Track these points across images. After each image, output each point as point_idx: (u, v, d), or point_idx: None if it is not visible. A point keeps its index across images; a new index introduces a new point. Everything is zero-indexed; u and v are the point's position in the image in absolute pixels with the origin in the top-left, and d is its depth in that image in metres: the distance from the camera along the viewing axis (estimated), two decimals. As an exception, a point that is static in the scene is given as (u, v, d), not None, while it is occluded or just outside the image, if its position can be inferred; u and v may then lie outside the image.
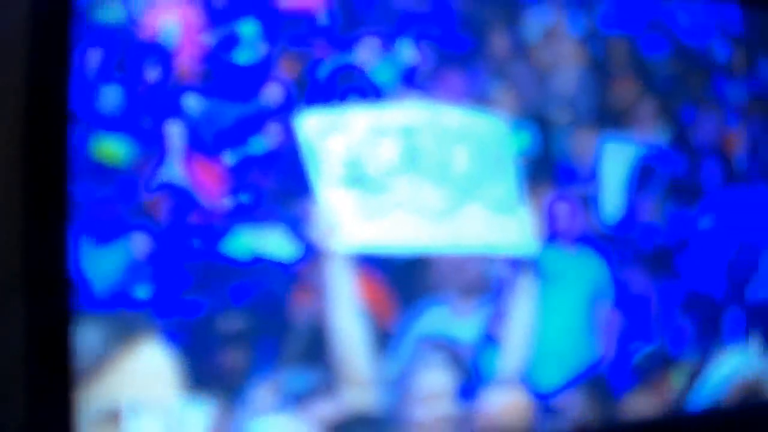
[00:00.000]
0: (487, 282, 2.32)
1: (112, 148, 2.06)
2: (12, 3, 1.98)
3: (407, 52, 2.28)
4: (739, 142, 2.58)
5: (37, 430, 2.01)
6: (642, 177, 2.46)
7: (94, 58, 2.03)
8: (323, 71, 2.21)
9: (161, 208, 2.09)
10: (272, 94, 2.15)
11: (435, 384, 2.29)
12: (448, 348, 2.31)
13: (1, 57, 2.00)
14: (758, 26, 2.60)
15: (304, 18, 2.18)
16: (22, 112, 1.98)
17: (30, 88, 1.98)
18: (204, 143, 2.11)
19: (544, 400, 2.38)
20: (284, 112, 2.19)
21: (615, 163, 2.44)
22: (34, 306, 2.01)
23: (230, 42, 2.11)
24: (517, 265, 2.35)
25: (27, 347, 2.01)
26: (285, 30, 2.17)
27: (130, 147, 2.07)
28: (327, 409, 2.20)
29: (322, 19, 2.21)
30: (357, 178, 2.22)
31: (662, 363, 2.51)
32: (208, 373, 2.08)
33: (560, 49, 2.40)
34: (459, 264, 2.29)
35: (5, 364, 2.04)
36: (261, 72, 2.16)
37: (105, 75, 2.04)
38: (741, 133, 2.58)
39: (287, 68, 2.17)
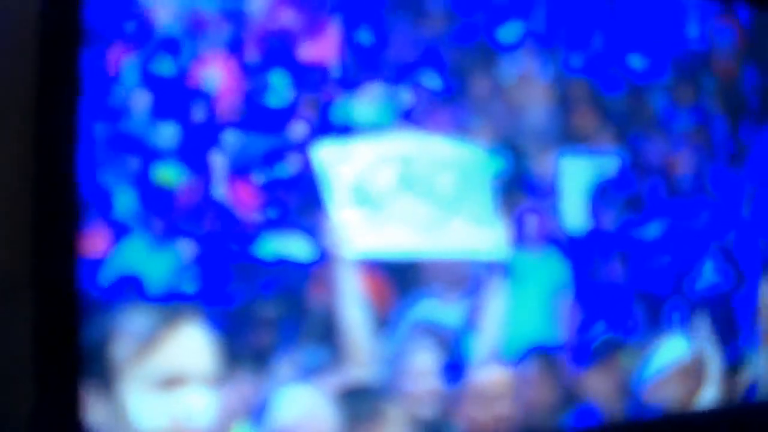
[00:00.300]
0: (468, 279, 2.49)
1: (168, 174, 2.20)
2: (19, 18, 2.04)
3: (403, 94, 2.43)
4: (683, 163, 2.76)
5: (44, 421, 2.05)
6: (600, 192, 2.65)
7: (151, 101, 2.18)
8: (335, 112, 2.36)
9: (206, 220, 2.24)
10: (295, 130, 2.31)
11: (424, 361, 2.44)
12: (436, 332, 2.45)
13: (13, 49, 2.05)
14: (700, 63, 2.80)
15: (321, 68, 2.34)
16: (31, 109, 2.04)
17: (40, 80, 2.04)
18: (240, 169, 2.26)
19: (514, 373, 2.50)
20: (304, 144, 2.32)
21: (576, 180, 2.62)
22: (41, 301, 2.05)
23: (262, 88, 2.29)
24: (492, 266, 2.50)
25: (34, 341, 2.05)
26: (305, 78, 2.32)
27: (183, 172, 2.21)
28: (335, 380, 2.34)
29: (335, 68, 2.35)
30: (362, 197, 2.38)
31: (615, 347, 2.65)
32: (242, 350, 2.25)
33: (531, 90, 2.57)
34: (445, 265, 2.46)
35: (13, 358, 2.05)
36: (287, 112, 2.30)
37: (161, 115, 2.18)
38: (684, 156, 2.76)
39: (307, 109, 2.32)
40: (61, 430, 2.08)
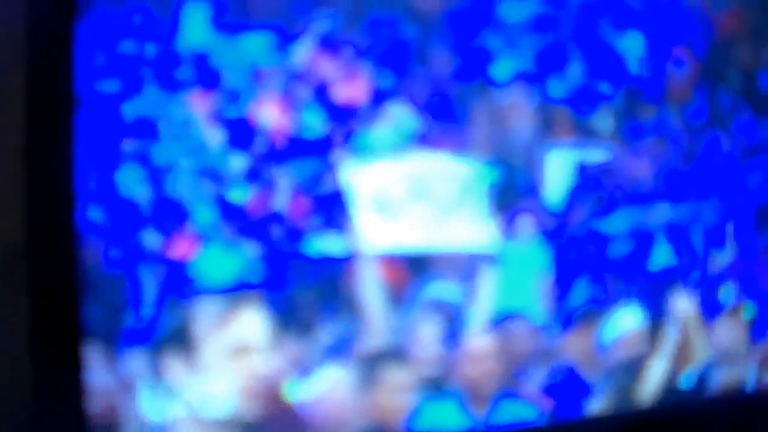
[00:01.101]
0: (466, 267, 2.76)
1: (239, 193, 2.51)
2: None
3: (416, 120, 2.70)
4: (645, 166, 2.97)
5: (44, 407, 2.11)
6: (575, 191, 2.90)
7: (223, 137, 2.48)
8: (362, 139, 2.63)
9: (268, 226, 2.53)
10: (332, 155, 2.61)
11: (431, 332, 2.70)
12: (442, 308, 2.70)
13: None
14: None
15: (352, 106, 2.62)
16: (24, 100, 2.10)
17: (31, 69, 2.09)
18: (293, 186, 2.56)
19: (502, 339, 2.75)
20: (335, 165, 2.60)
21: (557, 173, 2.86)
22: (38, 276, 2.08)
23: (300, 125, 2.58)
24: (485, 256, 2.77)
25: (32, 316, 2.08)
26: (339, 114, 2.59)
27: (250, 191, 2.51)
28: (361, 347, 2.61)
29: (363, 105, 2.63)
30: (381, 205, 2.65)
31: (590, 317, 2.92)
32: (293, 325, 2.54)
33: (520, 114, 2.83)
34: (450, 256, 2.74)
35: (13, 335, 2.07)
36: (325, 142, 2.60)
37: (231, 147, 2.49)
38: (646, 161, 2.98)
39: (340, 138, 2.60)
40: (62, 415, 2.20)
